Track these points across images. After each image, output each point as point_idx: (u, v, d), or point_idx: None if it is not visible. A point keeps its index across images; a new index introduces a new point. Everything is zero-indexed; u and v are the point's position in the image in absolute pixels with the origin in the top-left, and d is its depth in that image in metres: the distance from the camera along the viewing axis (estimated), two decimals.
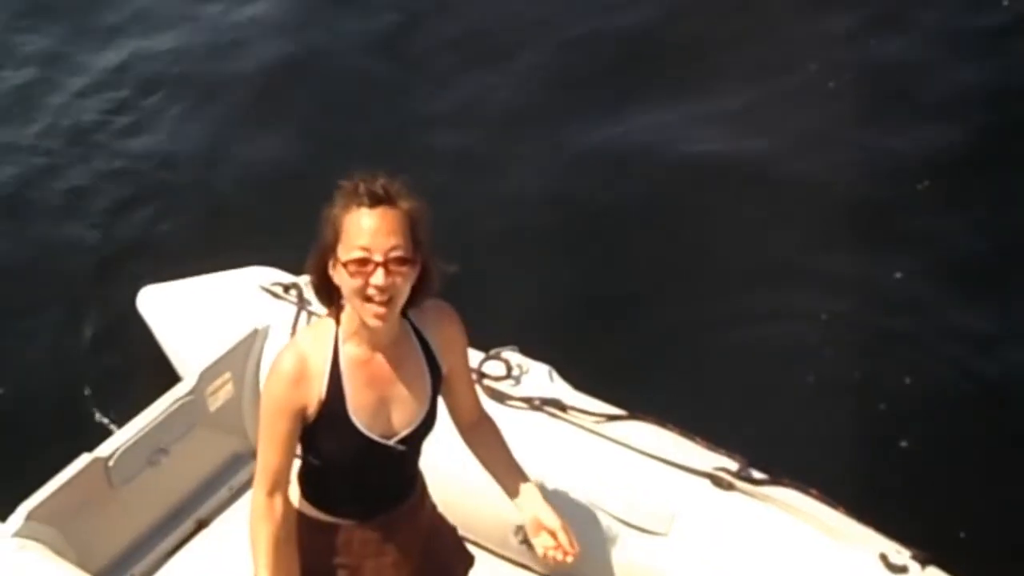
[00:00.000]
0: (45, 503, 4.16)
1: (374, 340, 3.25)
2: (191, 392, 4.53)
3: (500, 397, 4.41)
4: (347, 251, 3.08)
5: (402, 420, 3.31)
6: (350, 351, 3.25)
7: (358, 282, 3.08)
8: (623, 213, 6.82)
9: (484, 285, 5.64)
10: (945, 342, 5.81)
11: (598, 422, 4.31)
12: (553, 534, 3.33)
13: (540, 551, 3.36)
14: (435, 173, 6.75)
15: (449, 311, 3.40)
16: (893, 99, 7.51)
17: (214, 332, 4.81)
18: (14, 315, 6.54)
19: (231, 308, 4.89)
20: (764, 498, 4.02)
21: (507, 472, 3.51)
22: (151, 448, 4.44)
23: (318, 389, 3.22)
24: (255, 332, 4.68)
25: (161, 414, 4.44)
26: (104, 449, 4.33)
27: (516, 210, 6.84)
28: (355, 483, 3.39)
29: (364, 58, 8.49)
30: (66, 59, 8.77)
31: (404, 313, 3.30)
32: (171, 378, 4.82)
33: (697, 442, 4.23)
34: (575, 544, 3.35)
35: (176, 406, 4.48)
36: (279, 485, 3.30)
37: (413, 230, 3.12)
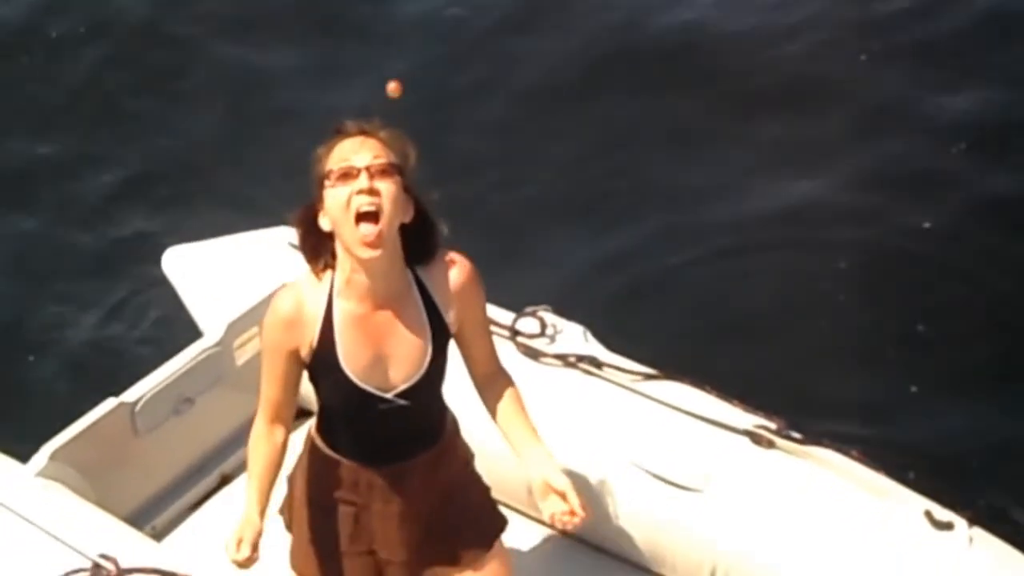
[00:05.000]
0: (69, 444, 4.10)
1: (371, 290, 3.20)
2: (218, 344, 4.47)
3: (534, 354, 4.35)
4: (331, 168, 3.11)
5: (399, 375, 3.27)
6: (344, 303, 3.22)
7: (344, 193, 3.06)
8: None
9: (515, 245, 5.69)
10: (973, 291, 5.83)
11: (634, 380, 4.25)
12: (563, 495, 3.21)
13: (547, 515, 3.24)
14: (462, 138, 6.88)
15: (460, 264, 3.34)
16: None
17: (241, 290, 4.74)
18: (41, 276, 6.55)
19: (259, 266, 4.83)
20: (804, 456, 3.96)
21: (518, 429, 3.40)
22: (177, 397, 4.38)
23: (310, 336, 3.22)
24: (282, 285, 4.60)
25: (188, 363, 4.39)
26: (130, 395, 4.28)
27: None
28: (357, 430, 3.37)
29: None
30: (96, 29, 8.71)
31: (410, 266, 3.26)
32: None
33: (734, 404, 4.17)
34: (586, 507, 3.23)
35: (203, 356, 4.42)
36: (280, 417, 3.33)
37: (398, 158, 3.14)
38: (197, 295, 5.01)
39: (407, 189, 3.16)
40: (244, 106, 7.71)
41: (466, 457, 3.62)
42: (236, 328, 4.51)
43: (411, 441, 3.43)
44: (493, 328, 4.28)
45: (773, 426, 4.04)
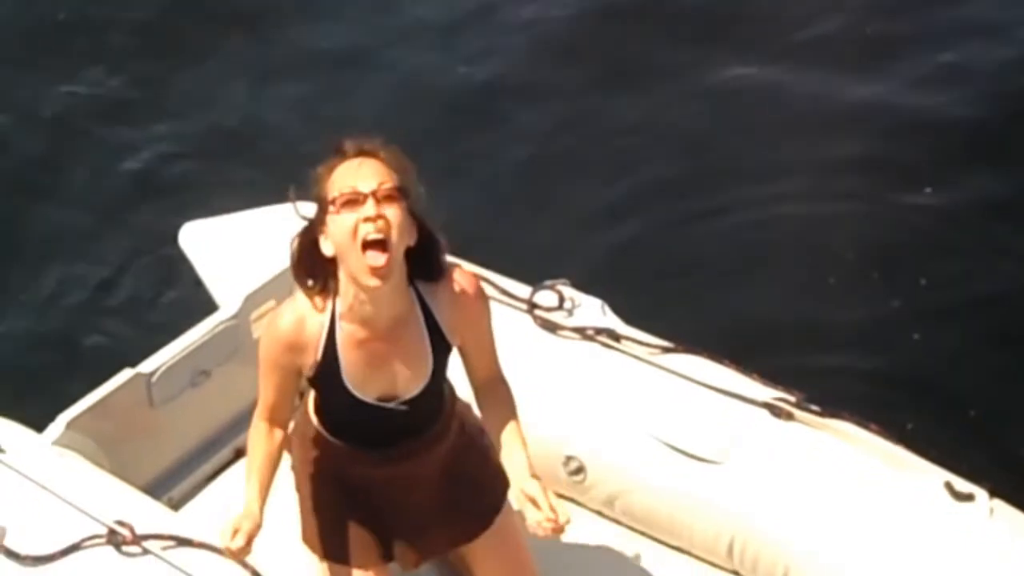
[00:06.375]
0: (85, 414, 4.09)
1: (375, 315, 3.17)
2: (235, 316, 4.45)
3: (551, 327, 4.32)
4: (335, 194, 3.05)
5: (401, 388, 3.27)
6: (347, 326, 3.19)
7: (350, 220, 3.01)
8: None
9: (529, 220, 5.68)
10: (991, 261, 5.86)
11: (652, 353, 4.23)
12: (534, 501, 3.16)
13: (529, 524, 3.17)
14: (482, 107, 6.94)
15: (464, 282, 3.30)
16: None
17: (258, 264, 4.72)
18: (59, 248, 6.57)
19: (275, 240, 4.77)
20: (823, 428, 3.94)
21: (506, 441, 3.34)
22: (193, 369, 4.35)
23: (312, 357, 3.21)
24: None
25: (205, 335, 4.37)
26: (147, 365, 4.26)
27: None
28: (358, 428, 3.38)
29: None
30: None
31: (414, 285, 3.23)
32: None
33: (753, 376, 4.14)
34: (556, 511, 3.13)
35: (220, 328, 4.40)
36: (276, 421, 3.32)
37: (401, 179, 3.08)
38: (214, 269, 5.00)
39: (411, 210, 3.11)
40: (266, 87, 7.74)
41: (462, 417, 3.57)
42: (253, 301, 4.49)
43: (413, 430, 3.41)
44: (511, 301, 4.33)
45: (792, 398, 4.02)
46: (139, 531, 3.62)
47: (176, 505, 4.35)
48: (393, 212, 3.02)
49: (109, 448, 4.14)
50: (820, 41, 7.41)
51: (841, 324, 5.60)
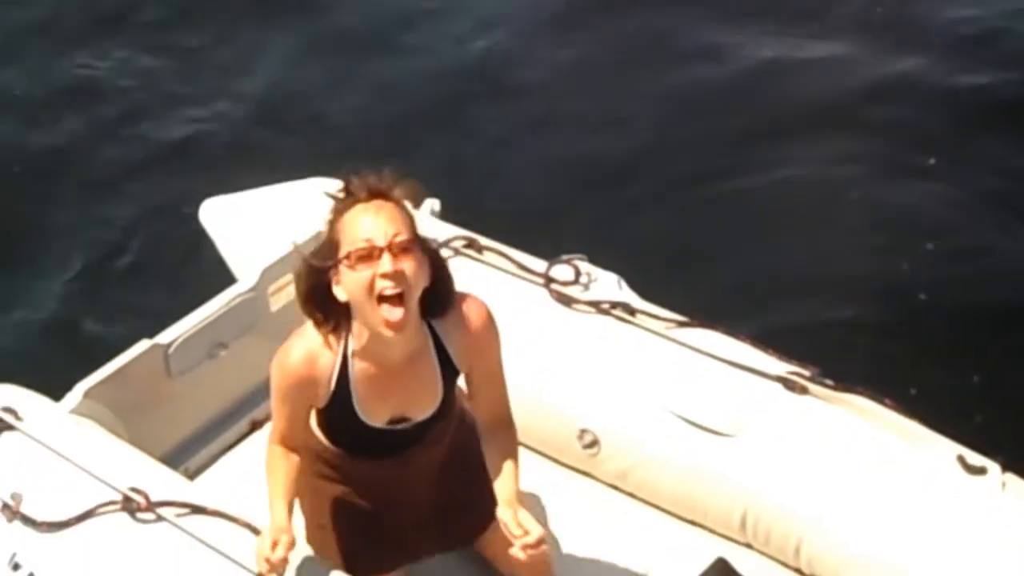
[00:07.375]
0: (102, 384, 4.11)
1: (387, 357, 3.17)
2: (253, 289, 4.47)
3: (567, 301, 4.33)
4: (349, 248, 3.01)
5: (412, 413, 3.29)
6: (359, 363, 3.18)
7: (366, 276, 2.98)
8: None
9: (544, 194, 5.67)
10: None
11: (667, 327, 4.22)
12: (506, 527, 3.15)
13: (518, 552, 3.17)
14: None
15: (475, 312, 3.28)
16: None
17: (278, 239, 4.73)
18: (80, 220, 6.62)
19: (295, 215, 4.82)
20: (837, 402, 3.92)
21: (500, 473, 3.32)
22: (211, 341, 4.37)
23: (325, 391, 3.21)
24: (319, 234, 4.59)
25: (222, 307, 4.38)
26: (164, 336, 4.28)
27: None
28: (365, 445, 3.38)
29: None
30: None
31: (424, 316, 3.20)
32: None
33: (768, 351, 4.13)
34: (522, 526, 3.12)
35: (238, 301, 4.42)
36: (291, 446, 3.34)
37: (413, 222, 3.06)
38: (233, 245, 5.02)
39: (423, 249, 3.09)
40: (287, 64, 7.77)
41: (461, 409, 3.56)
42: (271, 274, 4.50)
43: (419, 439, 3.41)
44: (527, 275, 4.32)
45: (806, 372, 4.01)
46: (154, 499, 3.63)
47: (192, 476, 4.36)
48: (409, 264, 2.99)
49: (126, 418, 4.16)
50: (839, 11, 7.40)
51: (850, 287, 5.63)
